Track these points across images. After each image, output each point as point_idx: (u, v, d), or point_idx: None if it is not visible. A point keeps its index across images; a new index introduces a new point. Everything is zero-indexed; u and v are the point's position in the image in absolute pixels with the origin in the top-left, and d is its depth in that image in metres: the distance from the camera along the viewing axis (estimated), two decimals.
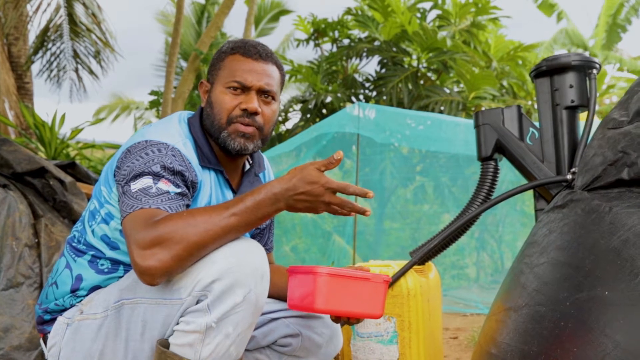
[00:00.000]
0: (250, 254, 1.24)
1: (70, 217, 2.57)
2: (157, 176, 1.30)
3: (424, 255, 1.83)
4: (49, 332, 1.45)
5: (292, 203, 1.26)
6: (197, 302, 1.23)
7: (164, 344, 1.26)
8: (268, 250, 1.71)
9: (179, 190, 1.32)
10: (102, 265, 1.44)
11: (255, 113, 1.45)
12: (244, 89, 1.45)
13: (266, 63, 1.48)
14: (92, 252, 1.45)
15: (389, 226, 5.48)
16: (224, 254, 1.22)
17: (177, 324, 1.26)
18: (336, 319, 1.44)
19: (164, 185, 1.30)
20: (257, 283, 1.23)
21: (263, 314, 1.57)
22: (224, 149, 1.47)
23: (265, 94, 1.47)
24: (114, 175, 1.40)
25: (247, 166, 1.60)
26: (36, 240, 2.38)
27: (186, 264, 1.21)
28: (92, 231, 1.45)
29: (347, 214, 1.30)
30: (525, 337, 1.15)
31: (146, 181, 1.29)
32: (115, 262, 1.44)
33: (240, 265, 1.21)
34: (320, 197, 1.26)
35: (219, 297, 1.20)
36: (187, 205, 1.35)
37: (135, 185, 1.29)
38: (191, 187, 1.38)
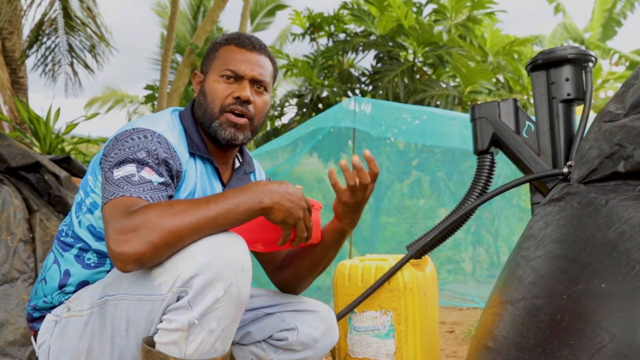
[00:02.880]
0: (229, 247, 1.22)
1: (65, 211, 2.56)
2: (140, 164, 1.30)
3: (421, 249, 1.83)
4: (39, 330, 1.44)
5: (277, 199, 1.25)
6: (178, 299, 1.21)
7: (150, 342, 1.24)
8: None
9: (162, 179, 1.31)
10: (88, 259, 1.43)
11: (248, 101, 1.47)
12: (237, 77, 1.47)
13: (260, 54, 1.51)
14: (79, 245, 1.44)
15: (385, 221, 5.47)
16: (203, 248, 1.20)
17: (161, 321, 1.25)
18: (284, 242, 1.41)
19: (147, 173, 1.29)
20: (238, 276, 1.21)
21: (257, 309, 1.57)
22: (214, 139, 1.48)
23: (257, 84, 1.49)
24: (100, 164, 1.39)
25: (238, 163, 1.61)
26: (31, 235, 2.37)
27: (161, 253, 1.18)
28: (79, 222, 1.44)
29: (301, 235, 1.33)
30: (522, 330, 1.15)
31: (129, 168, 1.28)
32: (102, 256, 1.43)
33: (220, 259, 1.19)
34: (301, 200, 1.30)
35: (199, 292, 1.18)
36: (170, 196, 1.34)
37: (118, 173, 1.28)
38: (175, 176, 1.38)
